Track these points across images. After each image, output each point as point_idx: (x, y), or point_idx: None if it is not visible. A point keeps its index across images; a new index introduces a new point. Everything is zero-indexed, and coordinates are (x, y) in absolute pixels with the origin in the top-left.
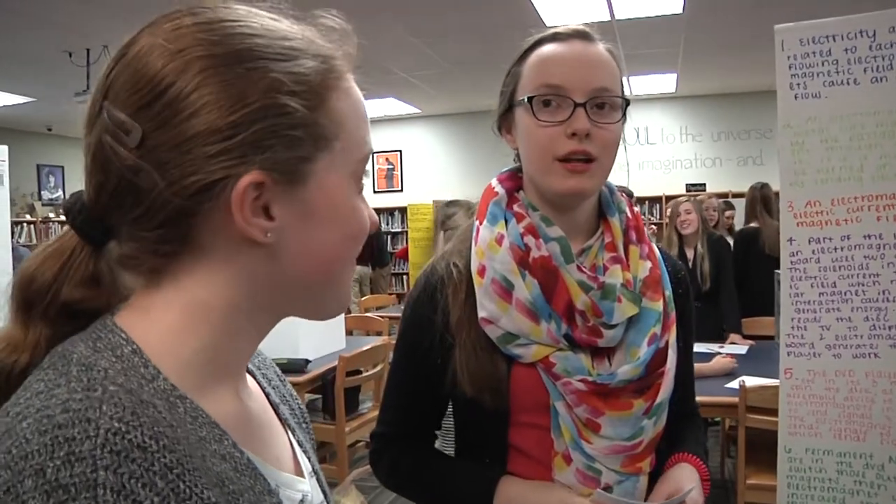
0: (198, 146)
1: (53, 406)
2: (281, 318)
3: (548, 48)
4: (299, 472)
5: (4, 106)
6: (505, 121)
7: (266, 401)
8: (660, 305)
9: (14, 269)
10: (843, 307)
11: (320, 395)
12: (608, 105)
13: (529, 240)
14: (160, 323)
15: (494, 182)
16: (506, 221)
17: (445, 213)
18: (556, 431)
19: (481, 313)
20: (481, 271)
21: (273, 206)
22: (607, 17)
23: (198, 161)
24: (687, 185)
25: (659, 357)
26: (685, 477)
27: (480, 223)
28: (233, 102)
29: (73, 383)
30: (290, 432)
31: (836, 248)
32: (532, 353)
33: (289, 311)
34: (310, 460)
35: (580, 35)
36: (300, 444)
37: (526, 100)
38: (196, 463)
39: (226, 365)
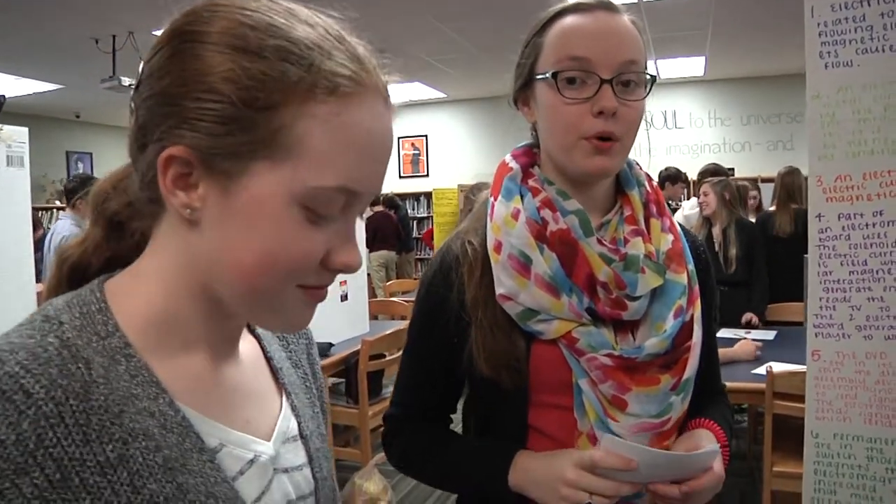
0: (157, 104)
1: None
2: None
3: (571, 19)
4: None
5: (34, 93)
6: (522, 94)
7: (266, 366)
8: (684, 278)
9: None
10: (875, 286)
11: (343, 379)
12: (633, 81)
13: (546, 213)
14: (137, 286)
15: (508, 157)
16: (521, 196)
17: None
18: (579, 410)
19: (499, 290)
20: (497, 247)
21: (200, 186)
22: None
23: (156, 118)
24: None
25: (685, 331)
26: (703, 438)
27: (495, 199)
28: (187, 76)
29: (27, 330)
30: (285, 396)
31: (867, 225)
32: (553, 329)
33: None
34: (300, 424)
35: (604, 6)
36: (293, 408)
37: (550, 75)
38: (94, 418)
39: (193, 332)
